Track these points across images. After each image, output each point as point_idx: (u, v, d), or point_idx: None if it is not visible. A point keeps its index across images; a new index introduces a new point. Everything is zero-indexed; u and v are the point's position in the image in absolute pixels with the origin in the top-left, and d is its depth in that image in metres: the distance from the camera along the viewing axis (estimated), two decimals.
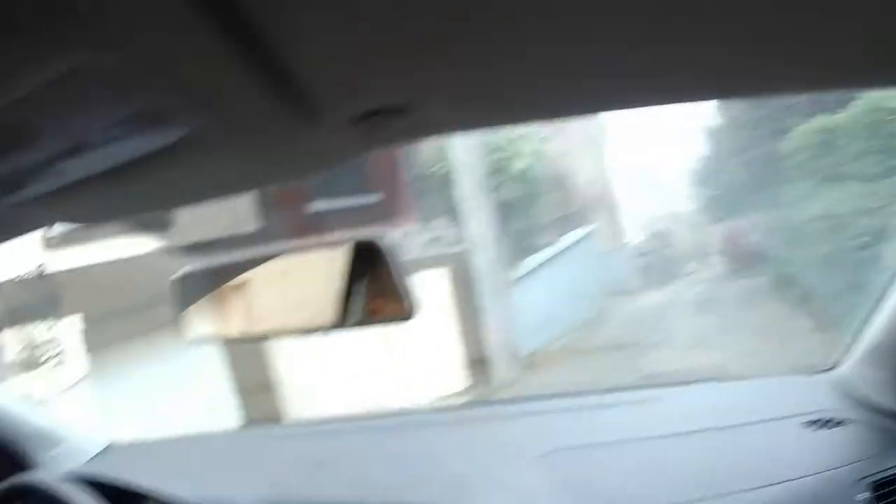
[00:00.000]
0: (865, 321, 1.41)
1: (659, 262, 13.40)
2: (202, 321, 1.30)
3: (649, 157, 16.15)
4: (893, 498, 1.21)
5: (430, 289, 7.83)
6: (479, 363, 7.61)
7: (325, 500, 1.38)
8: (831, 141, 6.88)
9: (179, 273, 1.28)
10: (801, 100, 8.30)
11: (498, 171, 9.02)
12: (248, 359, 7.54)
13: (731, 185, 10.36)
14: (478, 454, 1.57)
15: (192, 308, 1.28)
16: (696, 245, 14.01)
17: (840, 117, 6.77)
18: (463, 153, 8.18)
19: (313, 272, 1.25)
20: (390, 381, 7.60)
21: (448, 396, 7.47)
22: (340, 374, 7.66)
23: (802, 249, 7.58)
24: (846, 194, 6.34)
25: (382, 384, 7.54)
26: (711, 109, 11.29)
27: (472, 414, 2.31)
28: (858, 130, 6.38)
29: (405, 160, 10.25)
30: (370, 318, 1.17)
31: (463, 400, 7.27)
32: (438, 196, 9.37)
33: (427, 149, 9.55)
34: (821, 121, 7.10)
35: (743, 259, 10.94)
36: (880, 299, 1.36)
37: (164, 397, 6.37)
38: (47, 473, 1.56)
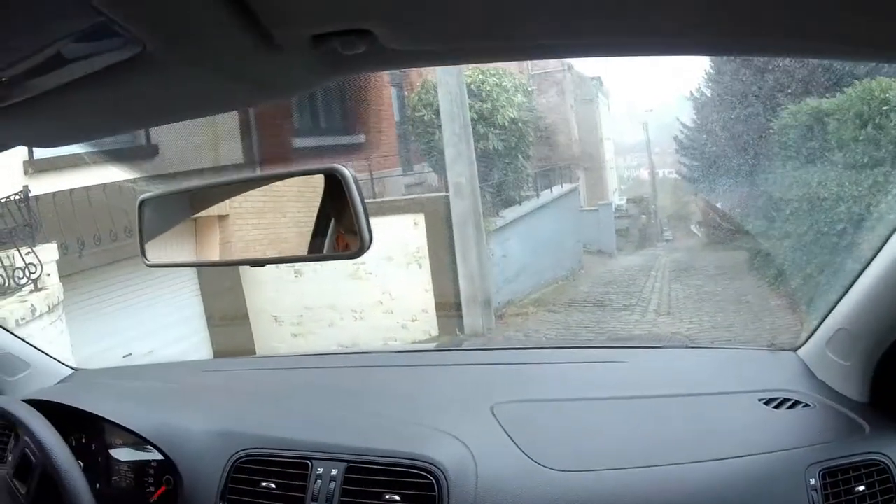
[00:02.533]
0: (833, 307, 1.40)
1: (639, 226, 13.43)
2: (161, 247, 1.27)
3: (639, 122, 16.05)
4: (843, 487, 1.20)
5: (407, 233, 7.84)
6: (451, 310, 7.64)
7: (275, 435, 1.36)
8: (820, 125, 6.86)
9: (140, 199, 1.24)
10: (795, 81, 8.25)
11: (484, 120, 8.93)
12: (223, 290, 7.55)
13: (717, 158, 10.32)
14: (434, 399, 1.56)
15: (152, 234, 1.25)
16: (677, 213, 14.05)
17: (832, 102, 6.74)
18: (449, 100, 8.05)
19: (275, 202, 1.23)
20: (362, 321, 7.67)
21: (418, 342, 7.52)
22: (314, 312, 7.72)
23: (781, 228, 7.62)
24: (829, 179, 6.36)
25: (354, 324, 7.62)
26: (704, 81, 11.29)
27: (434, 358, 2.29)
28: (849, 118, 6.31)
29: (392, 103, 10.21)
30: (328, 251, 1.16)
31: (432, 346, 7.32)
32: (422, 141, 9.31)
33: (414, 94, 9.47)
34: (813, 103, 7.07)
35: (722, 231, 10.96)
36: (849, 287, 1.35)
37: (136, 325, 6.37)
38: (5, 397, 1.56)
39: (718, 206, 11.16)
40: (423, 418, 1.41)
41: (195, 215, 1.27)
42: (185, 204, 1.28)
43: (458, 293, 7.65)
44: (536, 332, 7.42)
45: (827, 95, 7.06)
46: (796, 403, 1.35)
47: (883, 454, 1.23)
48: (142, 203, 1.25)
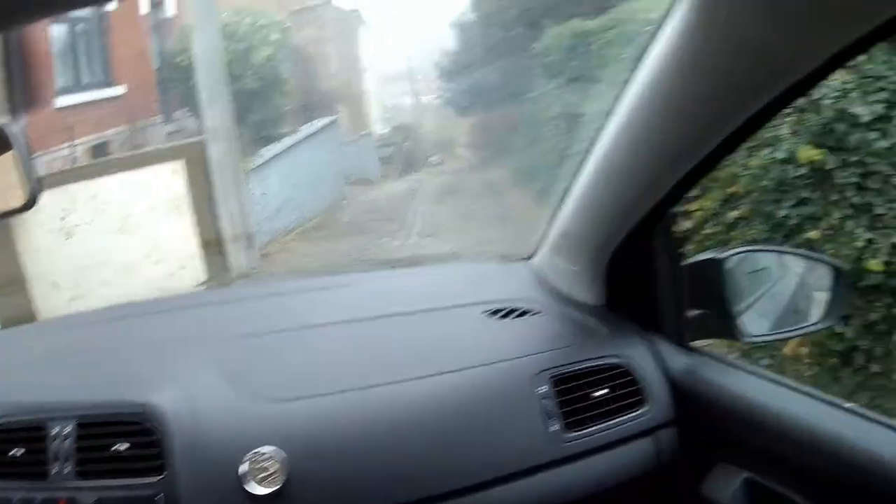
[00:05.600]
0: (554, 213, 1.39)
1: (403, 154, 13.54)
2: None
3: (403, 51, 16.18)
4: (574, 394, 1.20)
5: (167, 181, 7.71)
6: (216, 254, 7.71)
7: (13, 400, 1.32)
8: (583, 45, 7.23)
9: None
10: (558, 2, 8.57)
11: (239, 61, 8.88)
12: None
13: (479, 81, 10.64)
14: (166, 344, 1.54)
15: None
16: (443, 138, 14.19)
17: (594, 23, 7.09)
18: (203, 44, 7.90)
19: None
20: (135, 276, 7.49)
21: (189, 287, 7.52)
22: (90, 273, 7.40)
23: (541, 146, 8.11)
24: (586, 97, 6.52)
25: (127, 280, 7.41)
26: (465, 3, 11.59)
27: (180, 303, 2.21)
28: (610, 37, 6.60)
29: (149, 51, 9.78)
30: None
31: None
32: (181, 88, 9.15)
33: (172, 40, 9.13)
34: (575, 24, 7.44)
35: (488, 152, 11.33)
36: (566, 191, 1.33)
37: None
38: None
39: (483, 127, 11.54)
40: (151, 364, 1.38)
41: None
42: None
43: (222, 235, 7.74)
44: (300, 266, 7.68)
45: (592, 17, 7.30)
46: (526, 312, 1.34)
47: (622, 356, 1.24)
48: None
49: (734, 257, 1.31)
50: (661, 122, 1.03)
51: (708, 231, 4.42)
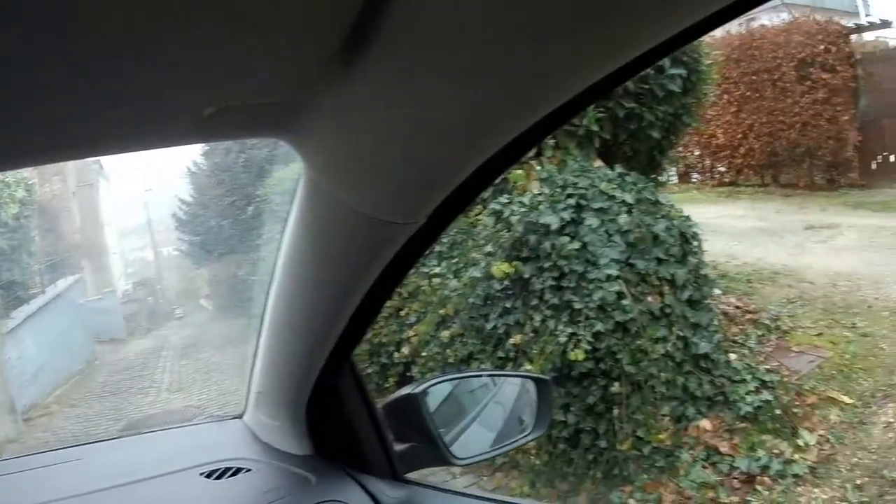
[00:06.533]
0: (250, 371, 1.40)
1: (147, 309, 13.48)
2: None
3: (141, 202, 16.23)
4: None
5: None
6: None
7: None
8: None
9: None
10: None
11: None
12: None
13: (214, 229, 11.06)
14: None
15: None
16: (185, 289, 14.26)
17: None
18: None
19: None
20: None
21: None
22: None
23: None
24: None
25: None
26: (195, 154, 11.92)
27: None
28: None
29: None
30: None
31: None
32: None
33: None
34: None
35: (227, 301, 11.53)
36: (256, 347, 1.33)
37: None
38: None
39: (221, 277, 11.75)
40: None
41: None
42: None
43: None
44: (63, 430, 7.56)
45: None
46: (239, 470, 1.34)
47: (336, 501, 1.25)
48: None
49: (434, 388, 1.37)
50: (312, 275, 1.05)
51: (425, 354, 4.68)
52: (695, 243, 4.22)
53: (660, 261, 3.92)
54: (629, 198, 4.02)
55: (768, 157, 10.73)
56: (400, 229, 0.85)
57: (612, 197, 4.02)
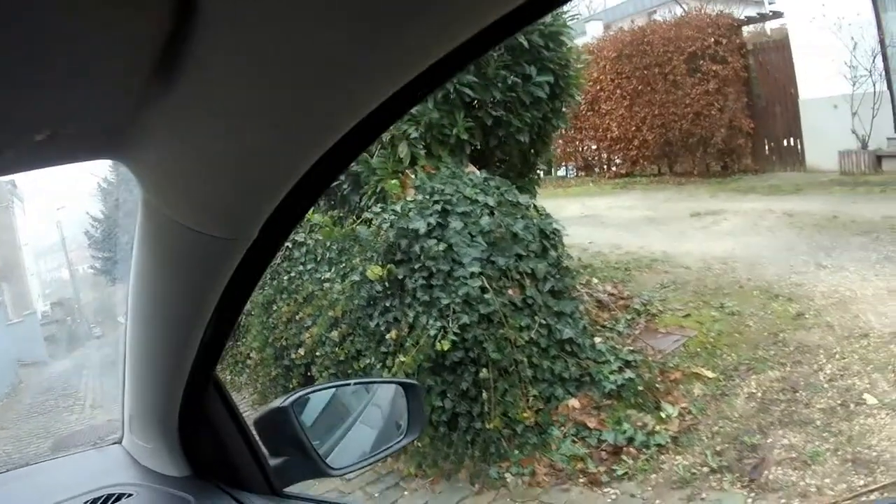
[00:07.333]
0: (122, 395, 1.36)
1: (67, 330, 13.24)
2: None
3: (54, 221, 15.76)
4: None
5: None
6: None
7: None
8: None
9: None
10: None
11: None
12: None
13: (126, 244, 10.73)
14: None
15: None
16: (102, 307, 13.94)
17: None
18: None
19: None
20: None
21: None
22: None
23: None
24: None
25: None
26: (104, 171, 11.68)
27: None
28: None
29: None
30: None
31: None
32: None
33: None
34: None
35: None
36: (123, 371, 1.32)
37: None
38: None
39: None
40: None
41: None
42: None
43: None
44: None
45: None
46: (121, 496, 1.31)
47: None
48: None
49: (310, 399, 1.37)
50: (159, 295, 1.03)
51: (320, 353, 4.94)
52: (555, 239, 4.55)
53: (520, 257, 4.24)
54: (491, 201, 4.35)
55: (662, 147, 11.33)
56: (234, 245, 0.84)
57: (476, 201, 4.32)
